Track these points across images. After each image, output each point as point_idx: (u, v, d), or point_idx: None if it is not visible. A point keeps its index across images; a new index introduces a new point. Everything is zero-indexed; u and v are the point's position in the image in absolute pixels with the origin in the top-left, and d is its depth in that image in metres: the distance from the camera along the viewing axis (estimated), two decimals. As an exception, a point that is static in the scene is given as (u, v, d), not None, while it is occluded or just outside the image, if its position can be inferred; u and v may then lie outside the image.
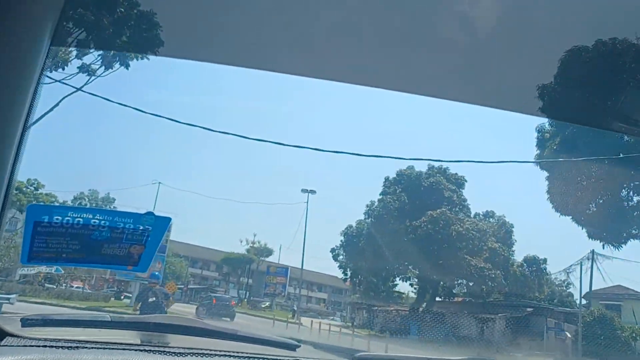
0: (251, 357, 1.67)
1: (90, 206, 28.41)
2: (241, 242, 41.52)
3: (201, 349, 1.55)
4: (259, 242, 41.49)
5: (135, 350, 1.45)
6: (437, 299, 26.44)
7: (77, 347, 1.34)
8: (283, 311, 36.03)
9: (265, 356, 1.72)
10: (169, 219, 1.89)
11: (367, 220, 27.15)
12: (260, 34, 1.72)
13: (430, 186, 25.52)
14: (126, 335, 1.52)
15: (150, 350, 1.46)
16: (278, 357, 1.74)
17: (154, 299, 7.47)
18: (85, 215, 1.54)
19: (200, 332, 1.71)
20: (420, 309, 26.15)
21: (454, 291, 27.94)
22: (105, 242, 1.60)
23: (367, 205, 26.02)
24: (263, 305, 36.97)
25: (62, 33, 1.14)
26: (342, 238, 34.90)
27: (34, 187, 34.03)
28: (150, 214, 1.82)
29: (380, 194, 28.21)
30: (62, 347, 1.30)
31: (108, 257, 1.59)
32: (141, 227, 1.74)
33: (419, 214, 23.75)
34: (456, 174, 25.29)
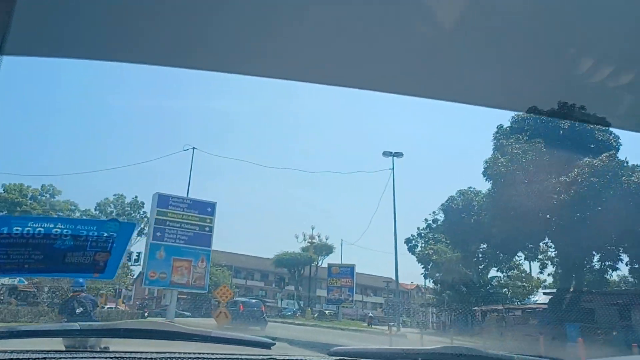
0: (226, 358, 1.96)
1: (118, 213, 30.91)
2: (297, 237, 42.80)
3: (173, 353, 1.83)
4: (319, 238, 42.38)
5: (105, 357, 1.77)
6: (584, 288, 23.32)
7: (44, 358, 1.67)
8: (347, 320, 36.57)
9: (239, 356, 2.01)
10: (134, 225, 2.26)
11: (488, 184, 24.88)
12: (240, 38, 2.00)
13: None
14: (96, 343, 1.86)
15: (120, 357, 1.78)
16: (253, 356, 2.03)
17: (81, 309, 7.77)
18: (46, 224, 1.90)
19: (172, 336, 2.01)
20: (566, 303, 22.71)
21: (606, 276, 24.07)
22: (69, 251, 1.96)
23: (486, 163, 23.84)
24: (327, 312, 37.63)
25: (13, 41, 1.43)
26: (434, 217, 33.30)
27: (50, 194, 38.01)
28: (114, 220, 2.19)
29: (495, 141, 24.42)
30: (29, 358, 1.61)
31: (73, 265, 1.96)
32: (105, 234, 2.09)
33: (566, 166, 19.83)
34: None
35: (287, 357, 2.00)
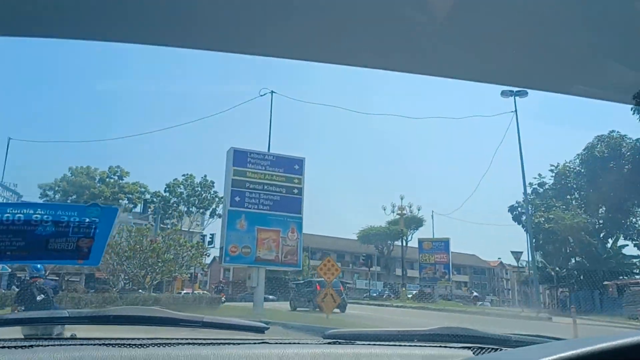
0: (217, 343, 2.09)
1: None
2: (384, 209, 42.77)
3: (164, 339, 2.05)
4: (410, 209, 41.91)
5: (94, 344, 1.99)
6: None
7: (31, 346, 1.89)
8: (442, 300, 36.23)
9: (232, 341, 2.14)
10: (116, 209, 2.46)
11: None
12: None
13: None
14: (86, 331, 2.09)
15: (110, 344, 1.99)
16: (246, 341, 2.15)
17: (42, 295, 7.91)
18: (26, 210, 2.14)
19: (163, 322, 2.22)
20: None
21: None
22: (51, 237, 2.21)
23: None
24: (409, 295, 37.52)
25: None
26: (540, 180, 31.46)
27: (118, 176, 41.17)
28: (94, 205, 2.40)
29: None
30: (16, 346, 1.85)
31: (55, 252, 2.20)
32: (87, 220, 2.31)
33: None
34: None
35: (280, 341, 2.12)
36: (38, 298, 8.13)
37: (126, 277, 30.04)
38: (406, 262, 40.96)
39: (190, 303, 23.87)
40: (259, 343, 2.11)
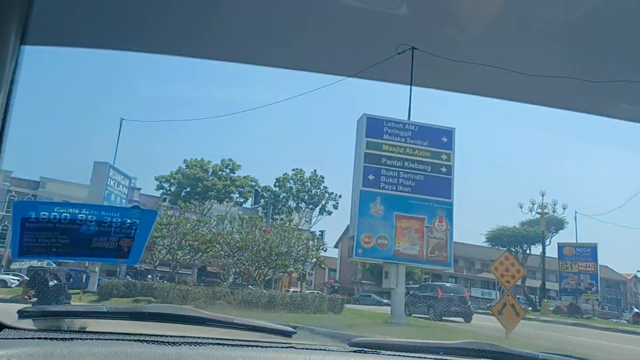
0: (246, 345, 2.35)
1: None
2: (521, 207, 40.72)
3: (196, 338, 2.35)
4: (553, 206, 39.41)
5: (130, 340, 2.32)
6: None
7: (71, 339, 2.25)
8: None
9: (260, 343, 2.39)
10: (156, 212, 2.74)
11: None
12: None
13: None
14: (122, 326, 2.39)
15: (144, 340, 2.31)
16: (274, 344, 2.41)
17: (55, 281, 8.08)
18: (71, 210, 2.50)
19: (195, 321, 2.50)
20: None
21: None
22: (94, 236, 2.55)
23: None
24: (550, 308, 35.55)
25: (34, 31, 1.94)
26: None
27: (230, 169, 43.67)
28: (136, 207, 2.70)
29: None
30: (57, 338, 2.23)
31: (98, 250, 2.54)
32: (129, 221, 2.63)
33: None
34: None
35: (307, 346, 2.31)
36: (51, 284, 8.85)
37: (237, 271, 31.47)
38: (541, 270, 38.73)
39: (310, 303, 23.18)
40: (286, 347, 2.35)
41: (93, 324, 2.51)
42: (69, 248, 2.56)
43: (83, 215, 2.58)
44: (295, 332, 2.50)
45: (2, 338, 2.17)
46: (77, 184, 48.48)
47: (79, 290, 26.23)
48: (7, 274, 35.98)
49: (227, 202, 43.22)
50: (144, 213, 2.68)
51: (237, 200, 44.32)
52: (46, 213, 2.50)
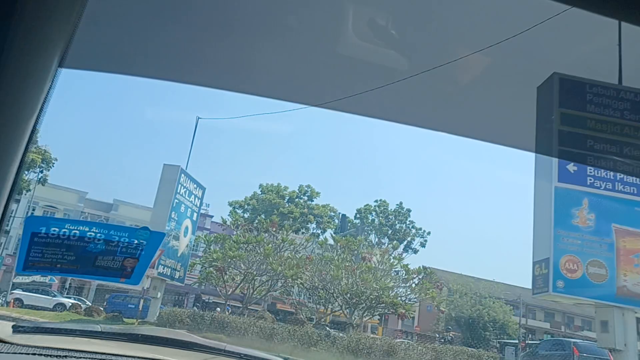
0: None
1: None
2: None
3: None
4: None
5: None
6: None
7: (65, 356, 2.50)
8: None
9: None
10: (163, 234, 2.99)
11: None
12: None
13: None
14: (115, 347, 2.64)
15: None
16: None
17: None
18: (81, 227, 2.81)
19: (188, 346, 2.70)
20: None
21: None
22: (100, 254, 2.84)
23: None
24: None
25: (72, 54, 2.26)
26: None
27: (307, 197, 43.93)
28: (145, 228, 2.97)
29: None
30: (50, 355, 2.46)
31: (102, 269, 2.82)
32: (136, 241, 2.91)
33: None
34: None
35: None
36: None
37: (321, 305, 29.74)
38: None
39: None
40: None
41: (86, 344, 2.76)
42: (73, 265, 2.85)
43: (92, 234, 2.86)
44: None
45: None
46: (149, 207, 52.41)
47: (134, 320, 26.58)
48: (69, 297, 38.24)
49: (303, 232, 42.68)
50: (152, 234, 2.94)
51: (314, 231, 44.12)
52: (56, 229, 2.81)
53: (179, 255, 30.05)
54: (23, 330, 2.70)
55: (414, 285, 28.92)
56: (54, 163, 46.97)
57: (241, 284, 30.26)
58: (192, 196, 31.92)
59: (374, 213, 45.06)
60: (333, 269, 26.98)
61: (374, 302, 27.01)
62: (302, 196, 45.43)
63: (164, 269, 28.01)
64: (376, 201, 45.86)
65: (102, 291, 49.92)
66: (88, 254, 2.83)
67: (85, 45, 2.79)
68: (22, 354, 2.42)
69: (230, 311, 32.71)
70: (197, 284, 34.57)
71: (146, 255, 2.87)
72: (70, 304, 33.75)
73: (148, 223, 28.70)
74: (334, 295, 27.53)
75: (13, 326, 2.69)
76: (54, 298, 35.62)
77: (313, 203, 45.15)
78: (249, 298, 30.63)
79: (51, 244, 2.76)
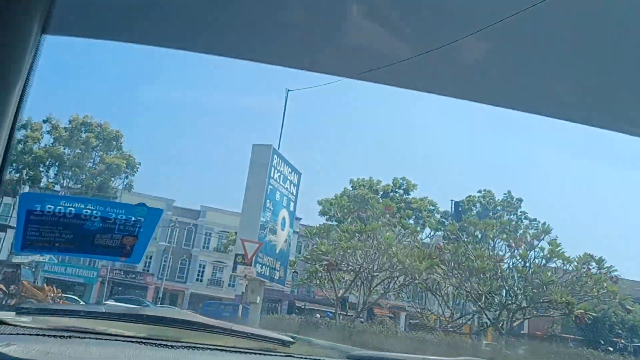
0: (244, 352, 2.70)
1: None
2: None
3: (194, 343, 2.68)
4: None
5: (127, 342, 2.68)
6: None
7: (69, 337, 2.65)
8: None
9: (259, 352, 2.73)
10: (161, 211, 3.04)
11: None
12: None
13: None
14: (119, 327, 2.77)
15: (142, 342, 2.67)
16: (272, 352, 2.74)
17: None
18: (77, 204, 2.93)
19: (194, 326, 2.81)
20: None
21: None
22: (98, 233, 2.95)
23: None
24: None
25: (55, 21, 2.37)
26: None
27: (404, 190, 43.13)
28: (142, 205, 3.06)
29: None
30: (54, 336, 2.62)
31: (101, 247, 2.93)
32: (133, 218, 3.00)
33: None
34: None
35: (305, 356, 2.56)
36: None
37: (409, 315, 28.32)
38: None
39: None
40: (284, 356, 2.57)
41: (91, 324, 2.88)
42: (72, 244, 2.96)
43: (88, 211, 2.96)
44: (294, 342, 2.74)
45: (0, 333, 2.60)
46: (237, 213, 54.05)
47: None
48: (163, 307, 39.64)
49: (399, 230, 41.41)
50: (150, 211, 3.00)
51: (412, 228, 43.10)
52: (52, 206, 2.92)
53: (277, 252, 28.31)
54: (27, 312, 2.87)
55: (584, 277, 24.42)
56: (138, 168, 49.82)
57: (352, 284, 27.84)
58: (287, 182, 29.68)
59: (478, 204, 43.96)
60: (474, 259, 23.74)
61: (533, 301, 23.71)
62: (397, 190, 45.11)
63: (262, 268, 26.48)
64: (480, 191, 44.74)
65: (196, 299, 53.76)
66: (86, 232, 2.92)
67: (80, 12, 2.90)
68: (25, 334, 2.56)
69: (332, 317, 29.99)
70: (297, 286, 33.74)
71: (145, 232, 2.94)
72: None
73: (238, 223, 29.50)
74: (472, 294, 24.29)
75: (16, 308, 2.85)
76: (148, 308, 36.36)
77: (410, 197, 44.69)
78: (364, 301, 27.95)
79: (47, 222, 2.87)
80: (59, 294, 31.23)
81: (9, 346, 2.33)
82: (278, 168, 28.65)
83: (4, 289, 31.12)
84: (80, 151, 49.61)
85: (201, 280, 59.88)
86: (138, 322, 2.88)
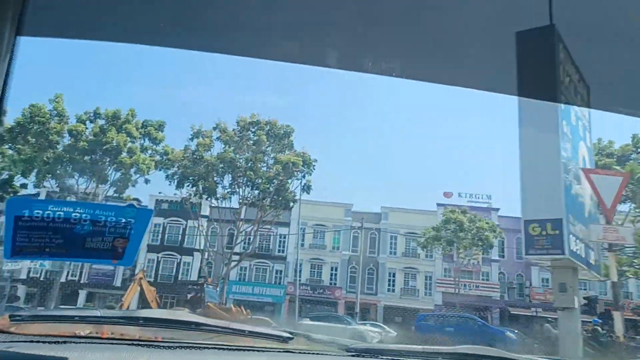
0: (242, 350, 2.72)
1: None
2: None
3: (191, 343, 2.72)
4: None
5: (124, 344, 2.69)
6: None
7: (64, 342, 2.67)
8: None
9: (257, 349, 2.76)
10: (152, 212, 3.06)
11: None
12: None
13: None
14: (116, 331, 2.77)
15: (139, 344, 2.69)
16: (270, 349, 2.77)
17: None
18: (66, 208, 2.92)
19: (190, 326, 2.81)
20: None
21: None
22: (88, 236, 2.96)
23: None
24: None
25: (30, 22, 2.35)
26: None
27: None
28: (131, 206, 3.06)
29: None
30: (49, 342, 2.65)
31: (92, 251, 2.94)
32: (123, 220, 2.99)
33: None
34: None
35: (304, 351, 2.59)
36: None
37: None
38: None
39: None
40: (282, 352, 2.62)
41: (87, 329, 2.89)
42: (63, 249, 2.97)
43: (77, 214, 2.96)
44: (292, 338, 2.77)
45: None
46: (423, 211, 52.50)
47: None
48: (364, 323, 37.54)
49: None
50: (139, 212, 3.00)
51: None
52: (40, 211, 2.93)
53: (586, 213, 20.44)
54: (21, 319, 2.88)
55: None
56: (314, 165, 46.77)
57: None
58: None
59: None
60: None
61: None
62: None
63: (576, 243, 18.55)
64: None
65: (391, 312, 51.10)
66: (76, 236, 2.93)
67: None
68: (19, 342, 2.57)
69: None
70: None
71: (136, 234, 2.95)
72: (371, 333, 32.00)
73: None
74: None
75: (10, 315, 2.86)
76: (350, 327, 33.19)
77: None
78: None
79: (37, 228, 2.89)
80: (249, 316, 30.51)
81: (2, 353, 2.34)
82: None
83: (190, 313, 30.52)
84: (251, 153, 46.71)
85: (393, 291, 55.78)
86: (133, 324, 2.90)
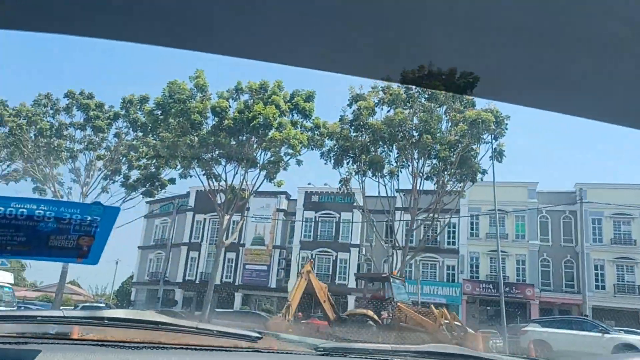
0: (210, 349, 2.71)
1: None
2: None
3: (157, 343, 2.63)
4: None
5: (87, 344, 2.64)
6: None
7: (25, 343, 2.58)
8: None
9: (225, 348, 2.75)
10: (118, 209, 2.97)
11: None
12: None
13: None
14: (78, 331, 2.70)
15: (102, 344, 2.62)
16: (238, 349, 2.77)
17: None
18: (29, 205, 2.83)
19: (157, 326, 2.75)
20: None
21: None
22: (52, 234, 2.88)
23: None
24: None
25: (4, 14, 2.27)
26: None
27: None
28: (97, 203, 2.97)
29: None
30: (10, 342, 2.55)
31: (56, 249, 2.87)
32: (89, 218, 2.91)
33: None
34: None
35: (272, 351, 2.56)
36: None
37: None
38: None
39: None
40: (251, 351, 2.58)
41: (51, 330, 2.83)
42: (25, 246, 2.91)
43: (41, 212, 2.89)
44: (261, 337, 2.76)
45: None
46: (633, 185, 44.46)
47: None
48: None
49: None
50: (106, 210, 2.93)
51: None
52: (1, 208, 2.84)
53: None
54: None
55: None
56: (507, 124, 38.31)
57: None
58: None
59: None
60: None
61: None
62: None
63: None
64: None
65: (603, 315, 42.17)
66: (39, 234, 2.87)
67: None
68: None
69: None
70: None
71: (102, 232, 2.88)
72: None
73: None
74: None
75: None
76: (607, 335, 26.95)
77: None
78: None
79: None
80: (455, 320, 24.39)
81: None
82: None
83: (374, 317, 25.24)
84: (424, 113, 38.93)
85: (603, 288, 46.77)
86: (99, 324, 2.84)
